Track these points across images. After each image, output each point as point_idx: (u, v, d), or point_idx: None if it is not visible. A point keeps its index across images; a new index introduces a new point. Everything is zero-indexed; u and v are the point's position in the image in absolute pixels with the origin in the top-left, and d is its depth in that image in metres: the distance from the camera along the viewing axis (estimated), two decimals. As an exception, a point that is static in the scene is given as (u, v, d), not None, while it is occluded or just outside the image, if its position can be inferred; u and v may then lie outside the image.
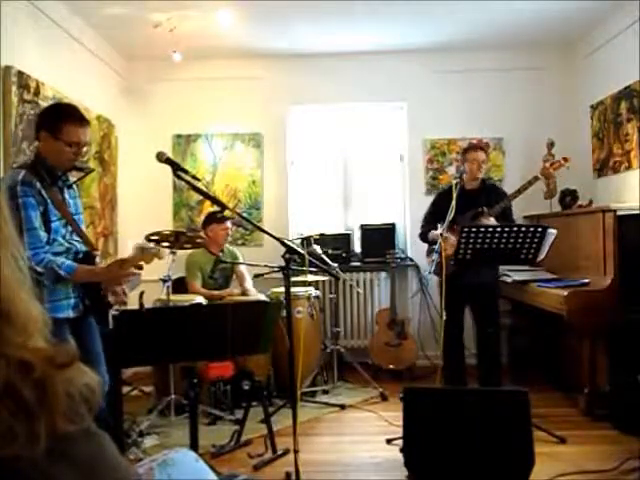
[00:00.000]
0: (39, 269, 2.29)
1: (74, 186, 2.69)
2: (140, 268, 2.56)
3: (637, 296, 3.54)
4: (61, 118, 2.48)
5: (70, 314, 2.51)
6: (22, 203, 2.33)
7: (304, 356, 3.22)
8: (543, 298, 3.92)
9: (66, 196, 2.59)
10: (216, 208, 2.50)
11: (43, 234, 2.38)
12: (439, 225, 3.70)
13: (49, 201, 2.43)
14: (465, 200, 3.66)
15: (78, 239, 2.58)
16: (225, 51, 5.17)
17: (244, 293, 4.47)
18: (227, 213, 2.75)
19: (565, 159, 3.77)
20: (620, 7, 4.29)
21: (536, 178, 3.69)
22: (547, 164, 3.80)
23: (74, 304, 2.53)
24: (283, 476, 2.81)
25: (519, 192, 3.69)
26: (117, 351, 2.41)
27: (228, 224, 4.42)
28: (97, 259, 2.61)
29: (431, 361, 4.87)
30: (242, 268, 4.57)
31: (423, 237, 4.02)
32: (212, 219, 4.41)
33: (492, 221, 3.63)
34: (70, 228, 2.54)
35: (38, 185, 2.40)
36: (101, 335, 2.66)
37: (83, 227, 2.71)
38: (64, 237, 2.51)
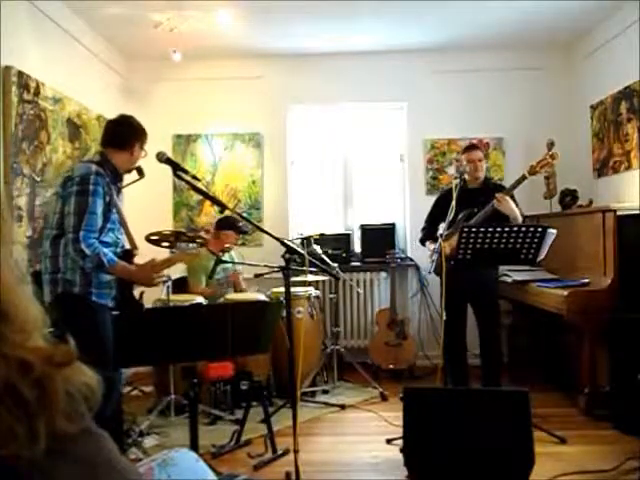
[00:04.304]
0: (87, 251, 2.46)
1: (122, 190, 2.92)
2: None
3: (637, 296, 3.54)
4: (145, 130, 2.87)
5: (109, 303, 2.67)
6: (92, 189, 2.55)
7: (304, 356, 3.21)
8: (543, 298, 3.92)
9: (119, 197, 2.80)
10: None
11: (100, 222, 2.57)
12: (440, 226, 3.70)
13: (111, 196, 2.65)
14: (466, 200, 3.66)
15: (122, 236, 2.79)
16: (225, 51, 5.17)
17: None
18: (227, 213, 2.78)
19: (552, 156, 3.54)
20: (620, 7, 4.29)
21: (524, 177, 3.56)
22: (534, 162, 3.59)
23: (113, 295, 2.69)
24: (283, 476, 2.80)
25: (510, 189, 3.62)
26: (117, 351, 2.41)
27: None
28: (135, 258, 2.77)
29: (431, 361, 4.87)
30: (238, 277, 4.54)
31: (422, 243, 4.09)
32: (233, 226, 4.37)
33: (510, 203, 3.56)
34: (118, 225, 2.73)
35: (107, 179, 2.64)
36: None
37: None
38: (113, 231, 2.70)
